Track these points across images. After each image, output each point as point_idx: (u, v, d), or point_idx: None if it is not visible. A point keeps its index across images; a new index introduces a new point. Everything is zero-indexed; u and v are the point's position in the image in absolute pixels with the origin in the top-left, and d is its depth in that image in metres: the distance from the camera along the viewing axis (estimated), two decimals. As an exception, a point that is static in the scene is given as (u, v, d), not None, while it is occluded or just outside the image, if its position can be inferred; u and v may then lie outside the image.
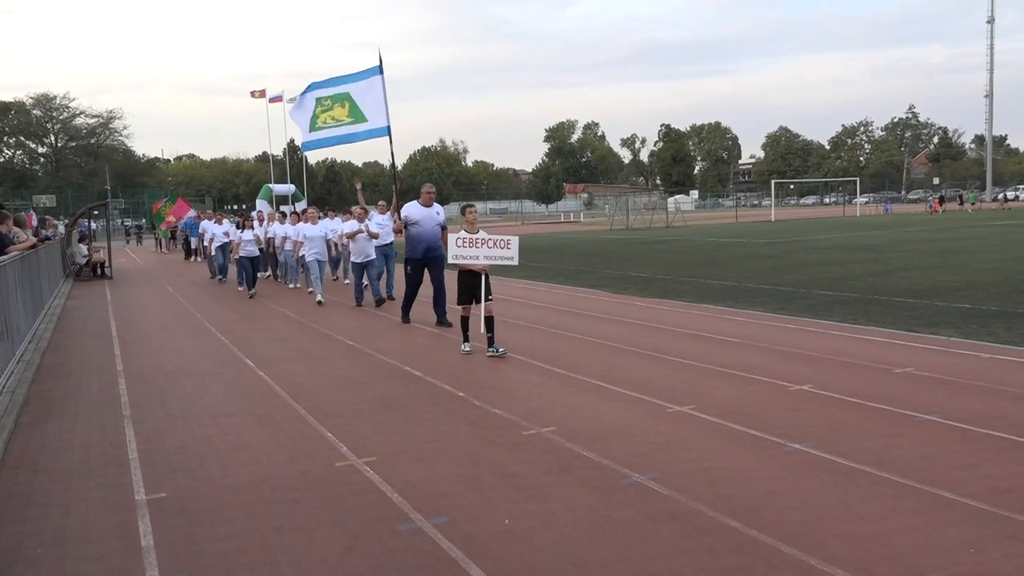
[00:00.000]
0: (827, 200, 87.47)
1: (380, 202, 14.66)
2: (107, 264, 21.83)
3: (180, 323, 11.98)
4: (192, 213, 28.57)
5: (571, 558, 3.53)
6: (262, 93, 53.01)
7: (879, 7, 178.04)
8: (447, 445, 5.27)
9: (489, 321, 8.32)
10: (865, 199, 70.42)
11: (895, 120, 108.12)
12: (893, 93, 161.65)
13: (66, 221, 26.28)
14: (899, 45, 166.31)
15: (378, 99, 11.62)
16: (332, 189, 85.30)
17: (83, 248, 21.83)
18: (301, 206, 29.35)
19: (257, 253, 15.58)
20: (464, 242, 8.22)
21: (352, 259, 13.01)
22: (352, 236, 12.63)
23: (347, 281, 15.92)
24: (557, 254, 25.07)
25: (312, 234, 14.33)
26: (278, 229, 17.37)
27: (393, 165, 12.26)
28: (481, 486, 4.47)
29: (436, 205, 10.38)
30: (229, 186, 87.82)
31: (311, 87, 12.63)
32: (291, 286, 16.85)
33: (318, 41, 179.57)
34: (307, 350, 9.20)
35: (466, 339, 8.52)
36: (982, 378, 6.52)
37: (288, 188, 36.01)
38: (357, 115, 11.93)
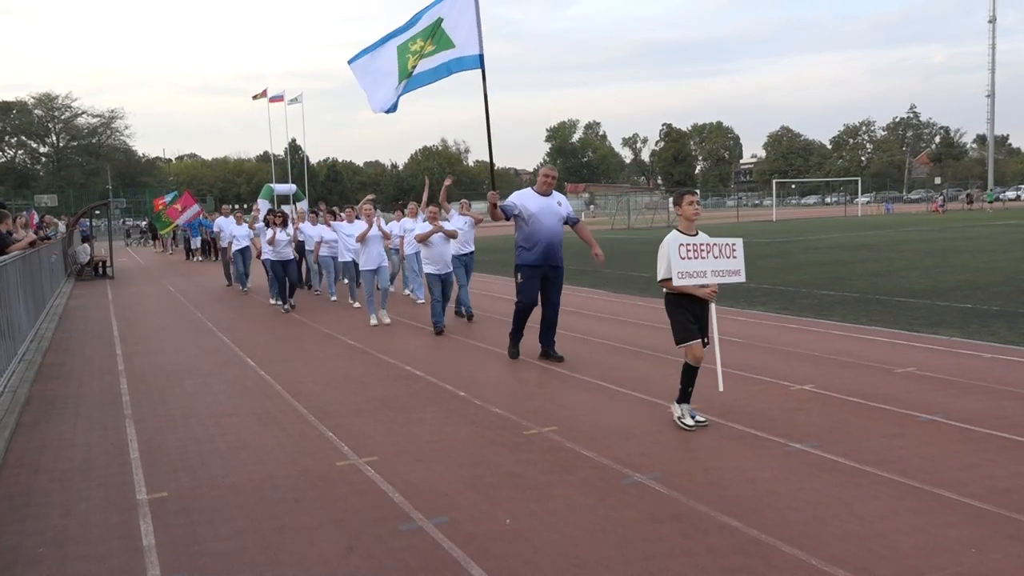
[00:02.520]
0: (828, 200, 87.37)
1: (463, 201, 12.36)
2: (108, 264, 21.85)
3: (181, 323, 11.99)
4: (195, 209, 28.03)
5: (572, 558, 3.53)
6: (263, 94, 53.08)
7: (880, 7, 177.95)
8: (448, 445, 5.27)
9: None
10: (866, 199, 70.39)
11: (897, 120, 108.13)
12: (894, 93, 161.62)
13: (66, 221, 26.16)
14: (900, 45, 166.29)
15: (471, 22, 8.66)
16: (333, 188, 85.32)
17: (85, 247, 21.84)
18: (302, 205, 29.20)
19: (292, 256, 12.86)
20: (690, 250, 5.38)
21: (428, 269, 10.22)
22: (426, 238, 10.03)
23: (420, 299, 13.02)
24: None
25: (350, 233, 12.56)
26: (309, 230, 14.95)
27: (487, 109, 8.14)
28: (482, 486, 4.47)
29: (557, 194, 7.97)
30: (230, 186, 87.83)
31: (381, 41, 9.41)
32: (354, 304, 13.28)
33: (319, 41, 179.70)
34: (308, 350, 9.20)
35: (684, 398, 5.55)
36: (984, 378, 6.51)
37: (289, 188, 35.99)
38: (444, 43, 9.01)
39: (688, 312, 5.42)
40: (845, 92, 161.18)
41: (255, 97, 53.28)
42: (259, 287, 15.80)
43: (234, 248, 16.18)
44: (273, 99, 52.79)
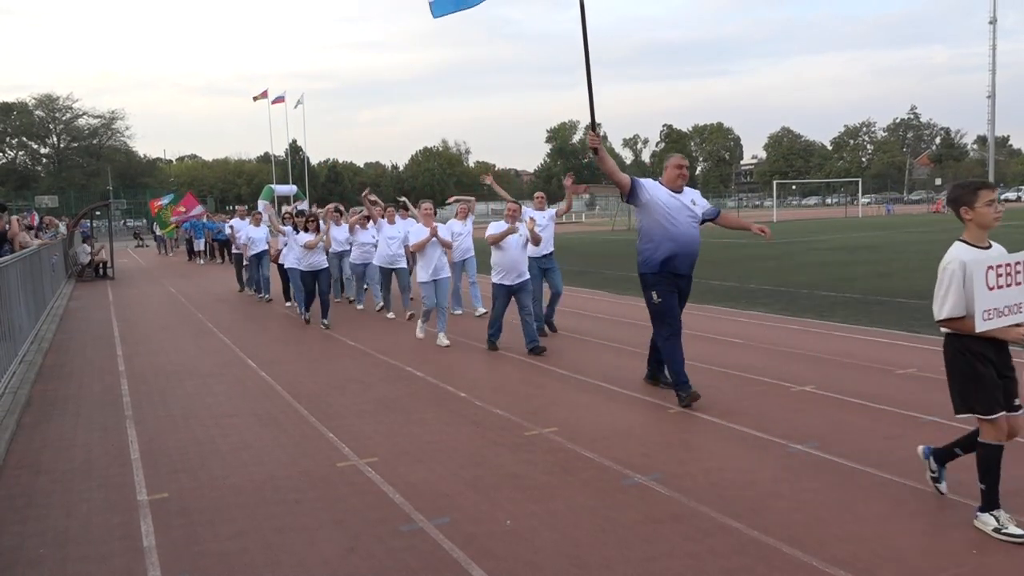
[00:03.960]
0: (829, 201, 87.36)
1: (537, 194, 10.43)
2: (109, 265, 21.86)
3: (182, 323, 11.99)
4: (198, 210, 27.73)
5: (572, 559, 3.53)
6: (264, 95, 53.17)
7: (881, 8, 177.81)
8: (449, 446, 5.27)
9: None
10: (867, 200, 70.37)
11: (897, 121, 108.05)
12: (895, 94, 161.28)
13: (67, 222, 26.11)
14: (901, 46, 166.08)
15: None
16: (334, 189, 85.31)
17: (86, 248, 21.85)
18: (302, 205, 29.11)
19: (325, 263, 11.12)
20: (1003, 274, 3.67)
21: (496, 278, 8.47)
22: (499, 240, 8.32)
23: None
24: (559, 255, 24.94)
25: (390, 235, 11.44)
26: (338, 233, 12.85)
27: (586, 43, 6.36)
28: (483, 486, 4.47)
29: (690, 190, 6.37)
30: (231, 186, 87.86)
31: None
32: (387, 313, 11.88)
33: (320, 42, 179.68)
34: (308, 350, 9.20)
35: (993, 499, 3.71)
36: (984, 379, 6.49)
37: (290, 188, 36.05)
38: None
39: (993, 366, 3.71)
40: (846, 93, 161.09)
41: (256, 98, 53.42)
42: (274, 293, 14.44)
43: (251, 252, 14.66)
44: (275, 101, 52.88)
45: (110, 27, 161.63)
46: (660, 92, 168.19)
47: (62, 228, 23.20)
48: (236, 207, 20.34)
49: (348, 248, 12.72)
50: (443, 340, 9.03)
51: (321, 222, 11.33)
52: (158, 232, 32.94)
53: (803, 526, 3.78)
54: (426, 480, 4.61)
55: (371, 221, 11.98)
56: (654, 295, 6.16)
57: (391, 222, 11.43)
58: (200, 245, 27.07)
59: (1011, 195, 71.28)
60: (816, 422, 5.49)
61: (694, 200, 6.32)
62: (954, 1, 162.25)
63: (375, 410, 6.29)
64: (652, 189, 6.18)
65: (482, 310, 11.22)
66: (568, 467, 4.75)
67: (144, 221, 54.93)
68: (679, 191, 6.26)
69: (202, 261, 26.40)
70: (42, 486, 4.81)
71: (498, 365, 7.91)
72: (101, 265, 21.79)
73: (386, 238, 11.32)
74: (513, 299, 8.44)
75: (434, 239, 8.93)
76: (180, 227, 29.19)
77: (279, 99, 53.41)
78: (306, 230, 10.97)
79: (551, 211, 10.00)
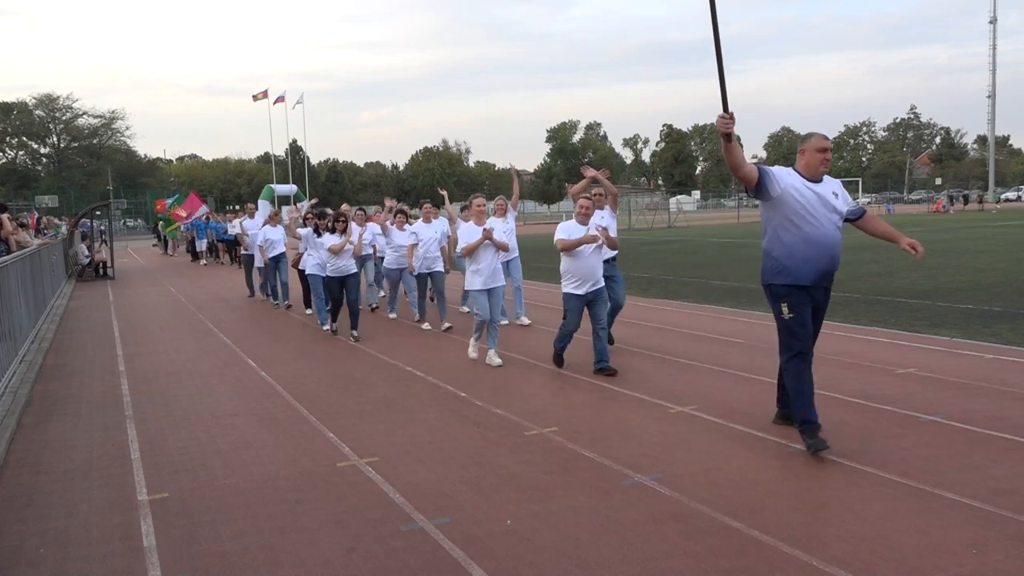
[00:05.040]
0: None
1: (599, 174, 8.37)
2: (109, 264, 21.87)
3: (182, 323, 11.99)
4: (203, 210, 27.29)
5: (573, 559, 3.53)
6: (264, 95, 53.21)
7: (881, 8, 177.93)
8: (449, 445, 5.27)
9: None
10: (867, 199, 70.35)
11: (897, 120, 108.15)
12: (895, 93, 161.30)
13: (67, 222, 26.05)
14: (901, 46, 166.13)
15: None
16: (334, 189, 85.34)
17: (84, 248, 21.86)
18: (303, 206, 29.02)
19: (354, 268, 9.96)
20: None
21: (568, 287, 7.31)
22: (577, 246, 7.14)
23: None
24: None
25: (427, 236, 10.28)
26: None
27: None
28: (483, 487, 4.47)
29: (831, 180, 5.11)
30: (231, 186, 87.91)
31: None
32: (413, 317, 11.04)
33: (320, 42, 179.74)
34: (309, 350, 9.21)
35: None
36: (985, 379, 6.51)
37: (290, 188, 36.10)
38: None
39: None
40: (846, 93, 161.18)
41: (256, 98, 53.45)
42: (292, 299, 13.44)
43: (268, 254, 13.28)
44: (275, 101, 52.92)
45: (110, 27, 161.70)
46: (660, 92, 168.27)
47: (63, 228, 23.19)
48: (248, 204, 19.22)
49: (369, 252, 11.91)
50: (495, 359, 7.79)
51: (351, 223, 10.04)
52: (161, 231, 32.86)
53: (803, 526, 3.78)
54: (426, 480, 4.61)
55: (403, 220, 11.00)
56: (784, 308, 5.00)
57: (427, 221, 10.44)
58: (203, 245, 26.34)
59: (1011, 195, 71.18)
60: (816, 422, 5.48)
61: (835, 192, 5.04)
62: (954, 1, 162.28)
63: (375, 410, 6.29)
64: (785, 178, 4.94)
65: (526, 320, 10.25)
66: (568, 467, 4.75)
67: (141, 221, 54.93)
68: (818, 180, 5.00)
69: (204, 262, 25.78)
70: (42, 486, 4.81)
71: (498, 366, 7.90)
72: (101, 265, 21.80)
73: (422, 239, 10.30)
74: (586, 310, 7.33)
75: (487, 241, 7.76)
76: (182, 227, 29.13)
77: (279, 99, 53.48)
78: (331, 231, 9.77)
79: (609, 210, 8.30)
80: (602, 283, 7.36)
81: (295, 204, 28.53)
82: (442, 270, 10.42)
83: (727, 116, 4.63)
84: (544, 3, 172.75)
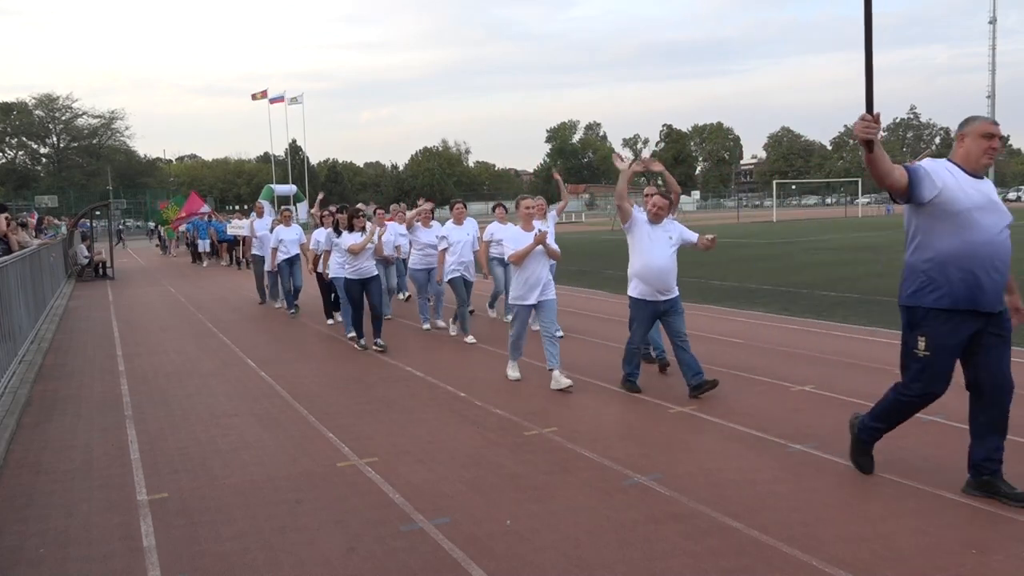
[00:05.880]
0: (829, 201, 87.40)
1: (657, 164, 7.04)
2: (109, 264, 21.86)
3: (182, 323, 11.98)
4: (205, 210, 26.87)
5: (573, 559, 3.53)
6: (263, 94, 53.24)
7: (881, 8, 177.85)
8: (449, 446, 5.27)
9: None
10: (867, 200, 70.38)
11: (897, 121, 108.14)
12: (895, 93, 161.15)
13: (67, 223, 25.99)
14: (901, 46, 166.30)
15: None
16: (334, 189, 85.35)
17: (84, 248, 21.85)
18: (303, 207, 28.90)
19: (375, 271, 9.00)
20: None
21: (635, 291, 6.45)
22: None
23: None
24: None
25: (459, 239, 9.38)
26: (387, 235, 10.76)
27: None
28: (483, 487, 4.47)
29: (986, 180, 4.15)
30: (231, 186, 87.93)
31: None
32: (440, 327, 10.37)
33: (321, 42, 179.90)
34: (308, 350, 9.20)
35: None
36: (984, 379, 6.50)
37: (290, 188, 36.02)
38: None
39: None
40: (846, 93, 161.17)
41: (255, 97, 53.48)
42: (314, 309, 11.88)
43: (281, 257, 12.21)
44: (273, 100, 52.95)
45: (110, 27, 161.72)
46: (660, 92, 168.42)
47: (62, 228, 23.18)
48: (257, 202, 16.61)
49: (391, 254, 11.21)
50: (561, 380, 6.60)
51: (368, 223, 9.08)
52: (161, 232, 32.78)
53: (803, 526, 3.78)
54: (426, 480, 4.61)
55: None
56: (921, 342, 4.07)
57: (458, 222, 9.41)
58: (204, 246, 25.78)
59: (1011, 195, 71.21)
60: (816, 422, 5.49)
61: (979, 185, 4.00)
62: (954, 1, 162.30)
63: (375, 410, 6.29)
64: (943, 175, 3.94)
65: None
66: (568, 467, 4.75)
67: (141, 222, 54.85)
68: (980, 176, 4.03)
69: (205, 263, 25.30)
70: (42, 486, 4.81)
71: (498, 365, 7.90)
72: (101, 265, 21.79)
73: (455, 243, 9.33)
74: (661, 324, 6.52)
75: (539, 247, 6.74)
76: (182, 227, 29.05)
77: (278, 99, 53.46)
78: (351, 229, 8.90)
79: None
80: (677, 292, 6.42)
81: (294, 204, 28.43)
82: (474, 279, 9.55)
83: (871, 119, 3.69)
84: (544, 3, 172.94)
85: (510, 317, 7.17)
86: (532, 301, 6.81)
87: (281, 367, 8.18)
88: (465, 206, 9.79)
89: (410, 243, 10.64)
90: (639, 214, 6.42)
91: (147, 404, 6.81)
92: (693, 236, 6.49)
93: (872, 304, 11.08)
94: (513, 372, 7.22)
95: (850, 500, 4.08)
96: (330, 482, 4.64)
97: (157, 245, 39.52)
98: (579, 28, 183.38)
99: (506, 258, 6.98)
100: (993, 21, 75.53)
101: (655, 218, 6.39)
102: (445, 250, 9.33)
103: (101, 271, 21.70)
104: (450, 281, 9.33)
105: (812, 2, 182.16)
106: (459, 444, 5.30)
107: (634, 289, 6.41)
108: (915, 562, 3.38)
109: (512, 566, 3.48)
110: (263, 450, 5.33)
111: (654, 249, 6.28)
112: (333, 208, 10.58)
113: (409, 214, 10.58)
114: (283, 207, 14.07)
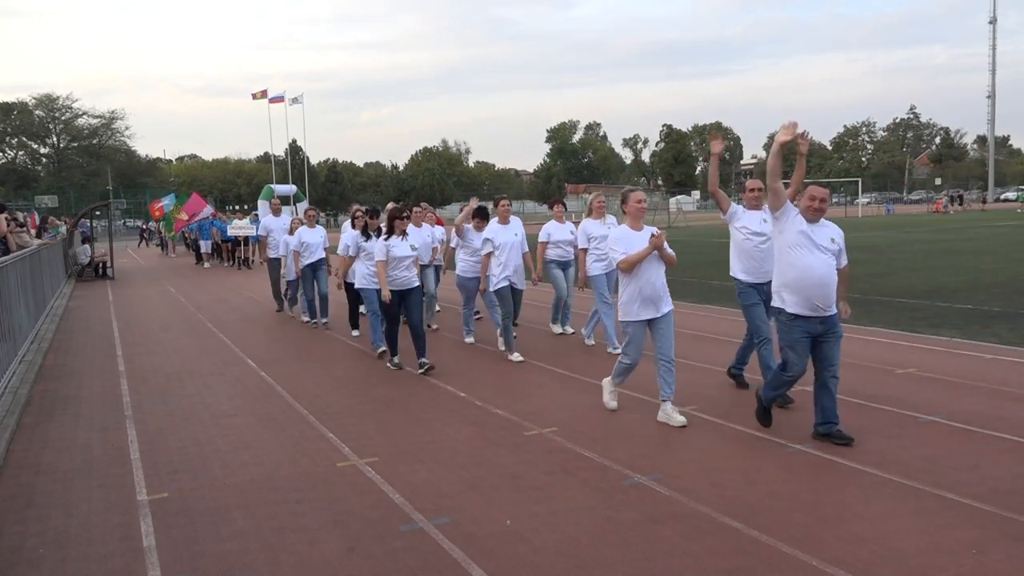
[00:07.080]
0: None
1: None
2: (109, 264, 21.86)
3: (182, 323, 11.98)
4: (207, 211, 26.57)
5: (573, 559, 3.53)
6: (263, 94, 53.20)
7: (881, 8, 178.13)
8: (448, 446, 5.27)
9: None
10: (867, 200, 70.35)
11: (897, 121, 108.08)
12: (895, 93, 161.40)
13: (67, 223, 25.95)
14: (901, 46, 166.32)
15: None
16: (334, 189, 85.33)
17: (86, 248, 21.85)
18: (302, 206, 28.81)
19: (416, 281, 7.87)
20: None
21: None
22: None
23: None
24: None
25: (507, 241, 8.21)
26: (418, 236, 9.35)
27: None
28: (483, 487, 4.47)
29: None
30: (231, 186, 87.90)
31: None
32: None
33: (321, 42, 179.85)
34: (308, 351, 9.20)
35: None
36: (985, 379, 6.51)
37: (290, 188, 36.08)
38: None
39: None
40: (846, 93, 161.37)
41: (255, 97, 53.45)
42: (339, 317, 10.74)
43: (304, 262, 10.93)
44: (273, 100, 52.94)
45: (111, 27, 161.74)
46: (660, 92, 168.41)
47: (62, 228, 23.17)
48: (272, 199, 14.79)
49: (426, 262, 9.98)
50: (674, 416, 5.61)
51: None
52: (163, 234, 32.69)
53: (803, 526, 3.78)
54: (426, 480, 4.61)
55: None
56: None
57: (504, 221, 8.34)
58: (207, 247, 25.42)
59: (1011, 195, 71.16)
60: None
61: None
62: (954, 1, 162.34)
63: (375, 410, 6.29)
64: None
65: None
66: (568, 467, 4.75)
67: (139, 223, 54.62)
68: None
69: (208, 264, 24.91)
70: (42, 486, 4.81)
71: (498, 365, 7.90)
72: (101, 265, 21.79)
73: (501, 244, 8.18)
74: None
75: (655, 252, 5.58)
76: (185, 230, 28.94)
77: (278, 99, 53.43)
78: (390, 233, 7.71)
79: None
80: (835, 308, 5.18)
81: (294, 205, 28.41)
82: (524, 286, 8.36)
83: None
84: (544, 3, 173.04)
85: (619, 346, 6.21)
86: (648, 316, 5.66)
87: (281, 367, 8.17)
88: (510, 203, 8.65)
89: (452, 247, 9.62)
90: (791, 208, 5.18)
91: (147, 404, 6.81)
92: (844, 258, 5.39)
93: (872, 304, 11.08)
94: (611, 400, 6.07)
95: (850, 500, 4.08)
96: (330, 482, 4.64)
97: (157, 245, 39.47)
98: (579, 28, 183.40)
99: (615, 264, 5.71)
100: (993, 21, 75.47)
101: (814, 214, 5.11)
102: (490, 254, 8.18)
103: (101, 271, 21.71)
104: (497, 291, 8.11)
105: (812, 2, 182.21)
106: (459, 444, 5.30)
107: (788, 303, 5.04)
108: (915, 562, 3.38)
109: (512, 566, 3.48)
110: (263, 450, 5.33)
111: (816, 253, 5.03)
112: (362, 208, 9.26)
113: (459, 216, 9.30)
114: (308, 207, 12.79)
